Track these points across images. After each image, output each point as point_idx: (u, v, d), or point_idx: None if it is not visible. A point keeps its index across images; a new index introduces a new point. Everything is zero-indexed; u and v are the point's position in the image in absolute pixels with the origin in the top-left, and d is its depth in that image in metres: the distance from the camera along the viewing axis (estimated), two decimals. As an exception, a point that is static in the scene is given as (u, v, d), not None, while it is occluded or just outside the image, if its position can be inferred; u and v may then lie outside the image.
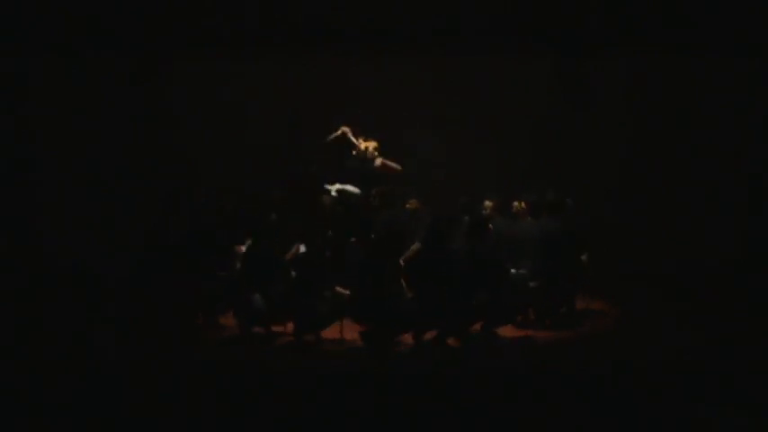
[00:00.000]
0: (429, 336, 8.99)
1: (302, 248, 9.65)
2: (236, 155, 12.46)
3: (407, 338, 9.02)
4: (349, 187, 10.75)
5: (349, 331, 9.17)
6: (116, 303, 10.24)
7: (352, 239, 9.93)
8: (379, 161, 10.88)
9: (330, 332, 9.17)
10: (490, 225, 9.78)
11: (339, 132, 10.92)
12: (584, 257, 10.09)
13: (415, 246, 9.76)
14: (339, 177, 10.80)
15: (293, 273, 9.24)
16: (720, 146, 12.40)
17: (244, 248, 9.55)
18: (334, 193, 10.67)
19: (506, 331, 9.41)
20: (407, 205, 10.72)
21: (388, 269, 9.04)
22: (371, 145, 10.91)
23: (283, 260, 9.43)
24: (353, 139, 10.92)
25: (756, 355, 8.41)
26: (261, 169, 12.33)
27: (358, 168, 10.82)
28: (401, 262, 9.46)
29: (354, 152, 10.89)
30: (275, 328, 9.33)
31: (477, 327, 9.17)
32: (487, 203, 10.59)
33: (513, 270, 9.68)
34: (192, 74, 12.61)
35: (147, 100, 12.57)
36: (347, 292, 9.15)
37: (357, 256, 9.43)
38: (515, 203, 10.61)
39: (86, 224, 12.23)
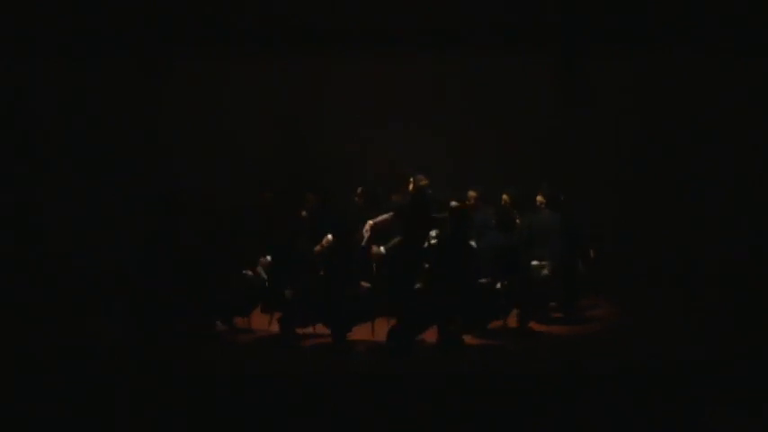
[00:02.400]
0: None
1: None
2: (235, 155, 12.45)
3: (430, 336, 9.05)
4: None
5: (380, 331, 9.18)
6: (116, 303, 10.23)
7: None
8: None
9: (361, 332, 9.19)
10: (517, 219, 9.88)
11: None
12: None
13: (396, 239, 9.79)
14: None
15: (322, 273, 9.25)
16: (721, 146, 12.39)
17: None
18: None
19: (506, 331, 9.44)
20: (393, 198, 10.77)
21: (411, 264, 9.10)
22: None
23: (313, 261, 9.41)
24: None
25: (756, 355, 8.41)
26: (260, 169, 12.33)
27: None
28: (382, 250, 9.55)
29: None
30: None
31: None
32: (471, 194, 10.65)
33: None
34: (192, 74, 12.60)
35: (147, 100, 12.56)
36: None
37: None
38: (504, 197, 10.72)
39: (86, 224, 12.22)
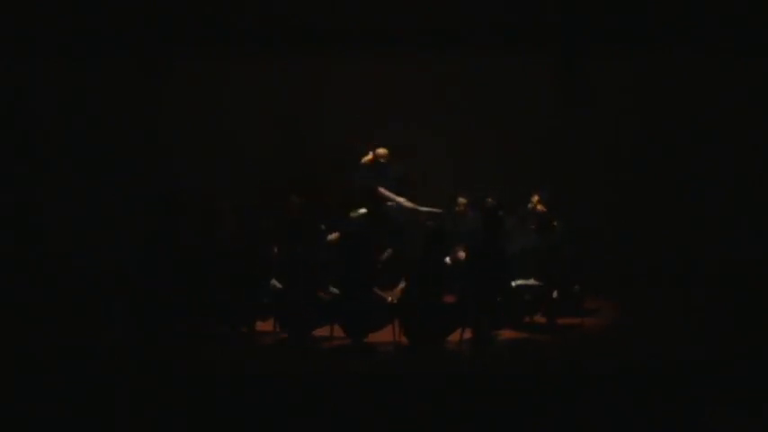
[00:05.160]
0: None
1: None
2: (235, 155, 12.45)
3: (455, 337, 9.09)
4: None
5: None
6: (116, 303, 10.23)
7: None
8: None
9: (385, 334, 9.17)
10: (554, 222, 10.01)
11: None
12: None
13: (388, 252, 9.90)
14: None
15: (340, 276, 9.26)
16: (721, 146, 12.40)
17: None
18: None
19: (507, 332, 9.43)
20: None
21: (434, 268, 9.10)
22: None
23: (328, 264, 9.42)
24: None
25: (756, 355, 8.41)
26: (260, 169, 12.33)
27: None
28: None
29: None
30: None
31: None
32: (461, 200, 10.74)
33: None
34: (192, 74, 12.59)
35: (147, 100, 12.56)
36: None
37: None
38: (489, 200, 10.78)
39: (86, 224, 12.22)
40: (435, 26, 12.25)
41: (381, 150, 11.21)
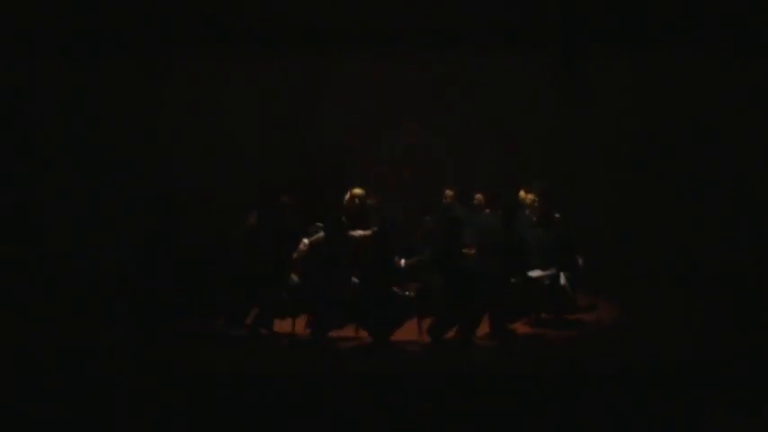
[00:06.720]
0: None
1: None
2: (235, 155, 12.46)
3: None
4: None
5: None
6: (116, 303, 10.23)
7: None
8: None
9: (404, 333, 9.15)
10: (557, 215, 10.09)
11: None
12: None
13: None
14: None
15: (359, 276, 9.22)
16: (721, 146, 12.41)
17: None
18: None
19: (507, 331, 9.44)
20: (368, 200, 10.79)
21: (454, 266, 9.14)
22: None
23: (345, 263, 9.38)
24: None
25: (756, 355, 8.41)
26: (260, 169, 12.34)
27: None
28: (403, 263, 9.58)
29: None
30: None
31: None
32: (449, 192, 10.77)
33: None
34: (192, 74, 12.60)
35: (147, 100, 12.57)
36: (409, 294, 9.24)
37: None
38: (477, 196, 10.75)
39: (86, 224, 12.23)
40: (435, 26, 12.26)
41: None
